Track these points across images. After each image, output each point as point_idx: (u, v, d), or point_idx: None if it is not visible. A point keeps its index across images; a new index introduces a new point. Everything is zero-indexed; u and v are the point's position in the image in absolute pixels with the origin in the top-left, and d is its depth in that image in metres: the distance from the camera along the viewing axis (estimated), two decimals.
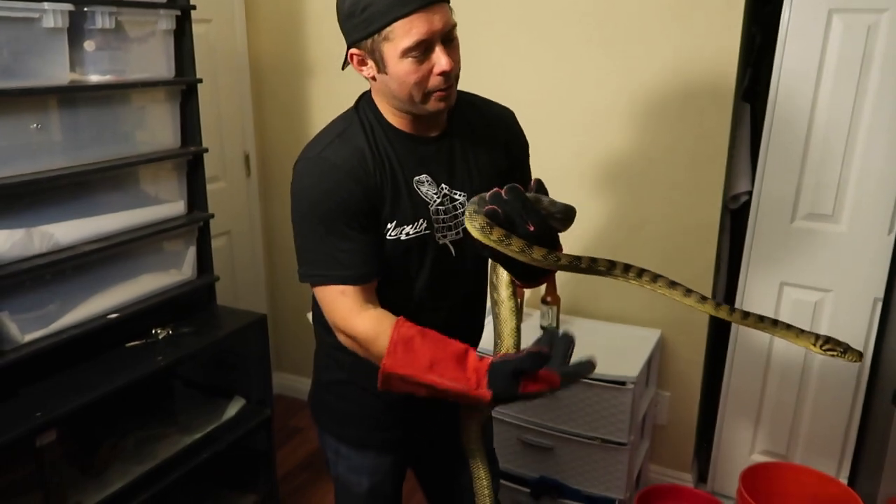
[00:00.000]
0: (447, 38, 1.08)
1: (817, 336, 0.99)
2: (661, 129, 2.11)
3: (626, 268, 1.04)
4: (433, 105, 1.11)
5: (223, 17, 2.55)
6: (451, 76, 1.09)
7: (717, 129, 2.05)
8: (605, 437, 1.96)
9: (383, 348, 1.04)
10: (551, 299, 2.17)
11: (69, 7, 1.52)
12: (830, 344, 0.98)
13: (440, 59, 1.06)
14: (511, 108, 1.34)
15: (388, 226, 1.15)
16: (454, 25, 1.09)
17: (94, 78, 1.64)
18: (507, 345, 1.20)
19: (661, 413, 2.31)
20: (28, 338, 1.51)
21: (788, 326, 1.01)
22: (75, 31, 1.58)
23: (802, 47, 1.92)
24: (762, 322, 1.01)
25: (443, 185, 1.20)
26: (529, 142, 1.35)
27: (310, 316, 1.40)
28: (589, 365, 1.02)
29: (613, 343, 2.15)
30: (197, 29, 1.95)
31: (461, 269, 1.25)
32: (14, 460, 1.54)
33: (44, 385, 1.53)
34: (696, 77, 2.04)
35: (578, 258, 1.00)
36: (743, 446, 2.25)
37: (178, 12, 1.78)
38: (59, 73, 1.55)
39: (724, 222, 2.20)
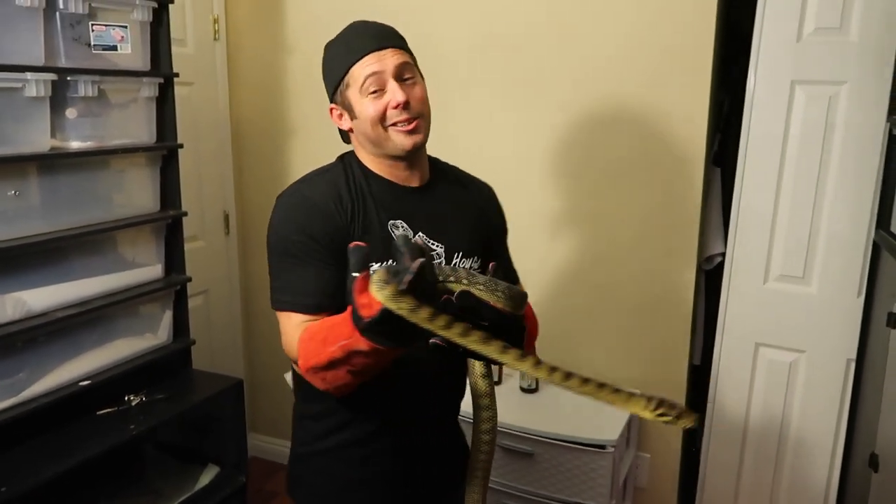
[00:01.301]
0: (401, 76, 1.17)
1: (649, 399, 0.91)
2: (634, 193, 2.16)
3: (505, 348, 0.90)
4: (398, 139, 1.17)
5: (206, 80, 2.59)
6: (409, 109, 1.16)
7: (689, 192, 2.11)
8: (585, 502, 1.94)
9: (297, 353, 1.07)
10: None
11: (52, 77, 1.54)
12: (663, 408, 0.91)
13: (394, 93, 1.15)
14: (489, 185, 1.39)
15: None
16: (407, 64, 1.18)
17: (75, 144, 1.66)
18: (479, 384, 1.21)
19: (641, 476, 2.30)
20: None
21: (616, 390, 0.92)
22: (58, 98, 1.60)
23: (768, 115, 1.99)
24: (587, 384, 0.92)
25: (420, 234, 1.23)
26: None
27: (288, 377, 1.39)
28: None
29: (593, 404, 2.10)
30: (180, 91, 1.98)
31: None
32: None
33: (11, 457, 1.49)
34: (666, 142, 2.10)
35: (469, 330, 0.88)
36: None
37: (161, 80, 1.81)
38: (39, 140, 1.57)
39: (699, 283, 2.23)
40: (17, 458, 1.48)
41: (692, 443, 2.32)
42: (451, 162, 1.39)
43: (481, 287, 0.94)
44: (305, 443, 1.33)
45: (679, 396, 2.22)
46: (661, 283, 2.17)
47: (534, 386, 2.19)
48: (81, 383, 1.63)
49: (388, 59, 1.16)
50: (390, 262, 0.93)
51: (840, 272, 1.97)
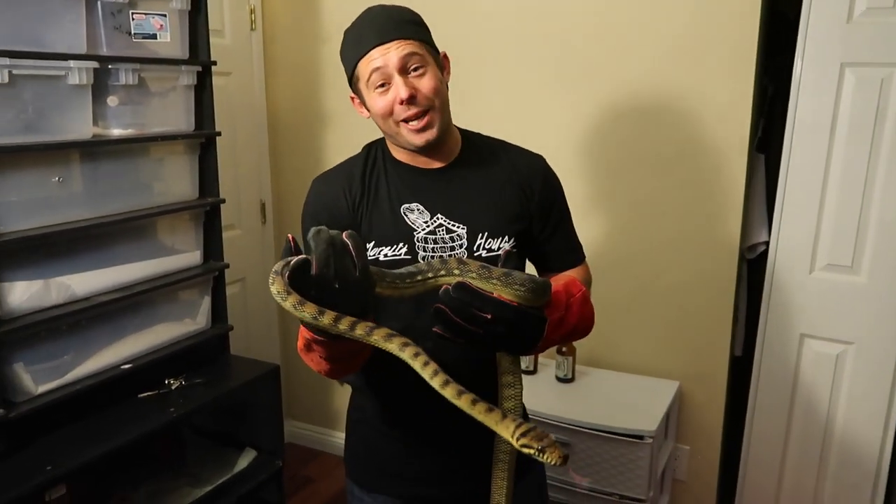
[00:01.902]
0: (406, 69, 1.14)
1: (518, 425, 0.83)
2: (676, 180, 2.11)
3: (389, 336, 0.87)
4: (409, 136, 1.16)
5: (243, 70, 2.61)
6: (417, 102, 1.13)
7: (733, 179, 2.05)
8: (623, 493, 1.91)
9: None
10: (566, 349, 2.14)
11: (94, 65, 1.56)
12: (527, 438, 0.81)
13: (399, 88, 1.13)
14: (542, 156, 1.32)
15: (367, 246, 1.19)
16: (414, 54, 1.14)
17: (116, 132, 1.68)
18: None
19: (680, 468, 2.25)
20: (41, 389, 1.51)
21: (490, 409, 0.85)
22: (99, 86, 1.62)
23: (815, 100, 1.92)
24: (461, 397, 0.86)
25: (438, 215, 1.21)
26: None
27: None
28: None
29: (631, 395, 2.11)
30: (217, 81, 1.99)
31: None
32: None
33: (55, 437, 1.52)
34: (709, 129, 2.04)
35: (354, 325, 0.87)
36: (767, 502, 2.18)
37: (200, 68, 1.82)
38: (82, 127, 1.59)
39: (741, 273, 2.18)
40: (62, 439, 1.52)
41: (735, 433, 2.27)
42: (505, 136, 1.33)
43: (474, 276, 0.91)
44: (356, 409, 1.36)
45: (720, 388, 2.17)
46: (702, 273, 2.12)
47: (570, 375, 2.17)
48: (123, 367, 1.66)
49: (391, 53, 1.13)
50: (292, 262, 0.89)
51: (891, 261, 1.89)
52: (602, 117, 2.17)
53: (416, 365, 0.85)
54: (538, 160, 1.32)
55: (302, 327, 0.97)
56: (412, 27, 1.17)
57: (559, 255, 1.31)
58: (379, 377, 1.26)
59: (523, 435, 0.81)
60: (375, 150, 1.26)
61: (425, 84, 1.14)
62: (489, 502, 1.18)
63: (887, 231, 1.89)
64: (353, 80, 1.20)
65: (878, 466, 2.00)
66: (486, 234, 1.22)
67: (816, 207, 1.97)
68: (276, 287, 0.84)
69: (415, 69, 1.15)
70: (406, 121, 1.15)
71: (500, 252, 1.21)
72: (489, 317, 0.90)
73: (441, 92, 1.17)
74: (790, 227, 2.01)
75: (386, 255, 1.19)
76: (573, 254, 1.34)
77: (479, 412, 0.84)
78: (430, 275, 0.94)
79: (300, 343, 1.01)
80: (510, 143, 1.32)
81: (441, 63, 1.22)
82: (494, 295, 0.91)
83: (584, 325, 1.08)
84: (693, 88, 2.04)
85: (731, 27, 1.97)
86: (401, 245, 1.19)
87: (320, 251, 0.87)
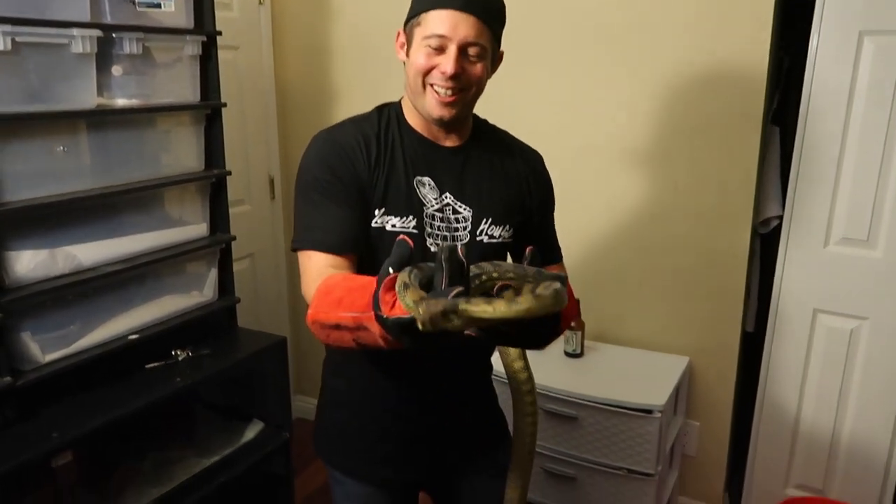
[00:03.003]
0: (465, 50, 1.10)
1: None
2: (688, 153, 2.07)
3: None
4: (431, 103, 1.13)
5: (251, 44, 2.60)
6: (458, 80, 1.11)
7: (746, 152, 2.01)
8: (631, 468, 1.90)
9: None
10: (575, 324, 2.12)
11: (98, 33, 1.55)
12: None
13: (448, 61, 1.10)
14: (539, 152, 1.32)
15: (377, 212, 1.15)
16: (478, 44, 1.10)
17: (121, 102, 1.67)
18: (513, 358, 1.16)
19: (690, 443, 2.24)
20: (49, 358, 1.52)
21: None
22: (103, 56, 1.61)
23: (833, 70, 1.87)
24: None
25: (447, 194, 1.19)
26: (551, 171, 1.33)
27: None
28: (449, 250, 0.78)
29: (640, 370, 2.10)
30: (224, 55, 1.98)
31: None
32: (30, 482, 1.54)
33: (62, 406, 1.53)
34: (724, 101, 2.00)
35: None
36: (776, 479, 2.16)
37: (204, 38, 1.80)
38: (86, 97, 1.58)
39: (754, 247, 2.14)
40: (69, 408, 1.52)
41: (745, 410, 2.24)
42: (518, 114, 1.32)
43: (511, 275, 0.84)
44: (334, 393, 1.33)
45: (730, 364, 2.15)
46: (714, 247, 2.09)
47: (578, 350, 2.15)
48: (130, 337, 1.66)
49: (461, 27, 1.08)
50: (412, 269, 0.81)
51: None
52: (616, 90, 2.13)
53: None
54: (540, 158, 1.32)
55: (336, 305, 0.91)
56: (494, 14, 1.14)
57: (544, 252, 1.31)
58: (360, 358, 1.24)
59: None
60: (389, 113, 1.22)
61: (473, 72, 1.13)
62: (465, 482, 1.18)
63: None
64: (410, 21, 1.15)
65: (892, 443, 1.97)
66: (490, 220, 1.21)
67: (832, 180, 1.93)
68: (410, 297, 0.75)
69: (472, 56, 1.12)
70: (434, 87, 1.12)
71: (501, 240, 1.22)
72: (529, 323, 0.83)
73: (481, 83, 1.16)
74: (805, 201, 1.97)
75: (394, 226, 1.15)
76: (556, 252, 1.36)
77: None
78: (477, 282, 0.86)
79: (326, 318, 0.93)
80: (509, 135, 1.32)
81: (496, 59, 1.19)
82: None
83: (572, 314, 1.06)
84: (707, 60, 2.00)
85: None
86: (410, 218, 1.16)
87: (454, 271, 0.78)
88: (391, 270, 0.80)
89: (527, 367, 1.19)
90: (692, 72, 2.02)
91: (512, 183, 1.25)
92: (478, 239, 1.20)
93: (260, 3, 2.62)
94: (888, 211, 1.88)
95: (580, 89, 2.18)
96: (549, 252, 1.34)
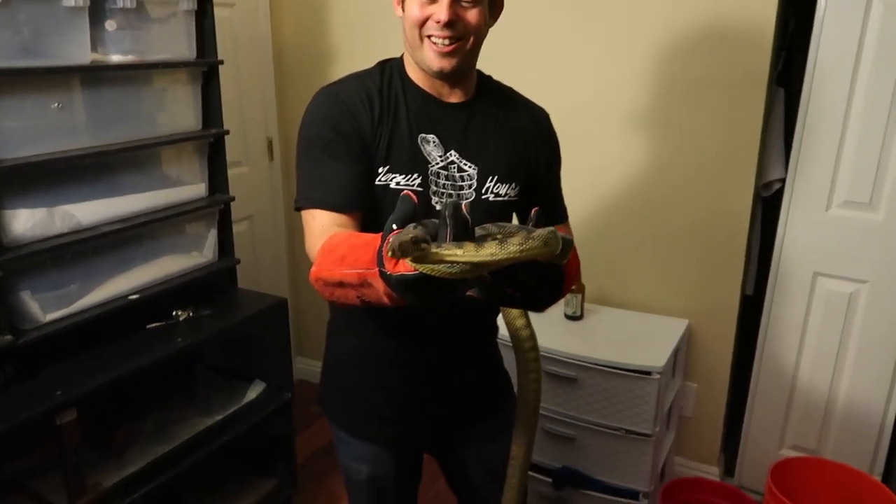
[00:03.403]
0: None
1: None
2: (691, 114, 2.05)
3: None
4: (430, 56, 1.10)
5: (246, 2, 2.54)
6: (454, 28, 1.08)
7: (750, 114, 1.99)
8: (629, 428, 1.92)
9: None
10: (576, 287, 2.12)
11: None
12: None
13: (441, 8, 1.07)
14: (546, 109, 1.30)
15: (381, 169, 1.13)
16: None
17: (116, 58, 1.64)
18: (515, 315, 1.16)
19: (687, 405, 2.26)
20: (49, 317, 1.52)
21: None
22: (96, 10, 1.57)
23: (840, 30, 1.84)
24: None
25: (452, 152, 1.17)
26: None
27: None
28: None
29: (640, 333, 2.10)
30: (220, 13, 1.93)
31: None
32: (34, 440, 1.55)
33: (64, 365, 1.53)
34: (728, 61, 1.97)
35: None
36: (772, 440, 2.19)
37: None
38: (80, 53, 1.55)
39: (755, 210, 2.13)
40: (71, 367, 1.53)
41: (742, 372, 2.26)
42: (518, 72, 1.29)
43: (517, 240, 0.79)
44: (339, 353, 1.33)
45: (729, 327, 2.16)
46: (716, 211, 2.08)
47: (578, 313, 2.15)
48: (130, 297, 1.66)
49: None
50: (416, 226, 0.77)
51: None
52: (618, 47, 2.10)
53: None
54: (546, 115, 1.30)
55: (339, 263, 0.90)
56: None
57: (550, 211, 1.28)
58: (365, 317, 1.23)
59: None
60: (391, 68, 1.19)
61: (469, 17, 1.09)
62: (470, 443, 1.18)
63: None
64: None
65: (886, 405, 2.00)
66: (496, 177, 1.19)
67: (836, 143, 1.92)
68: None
69: (466, 1, 1.09)
70: (432, 38, 1.09)
71: (507, 199, 1.20)
72: (530, 280, 0.84)
73: (480, 32, 1.12)
74: (808, 164, 1.96)
75: (398, 184, 1.13)
76: (561, 212, 1.34)
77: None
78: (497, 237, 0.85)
79: (330, 275, 0.92)
80: (514, 91, 1.29)
81: (496, 6, 1.16)
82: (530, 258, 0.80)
83: (574, 275, 1.05)
84: (711, 18, 1.96)
85: None
86: (415, 175, 1.14)
87: (459, 227, 0.75)
88: (395, 227, 0.79)
89: (528, 324, 1.19)
90: (697, 31, 1.98)
91: (518, 139, 1.23)
92: (483, 197, 1.18)
93: None
94: (891, 174, 1.87)
95: (579, 47, 2.15)
96: (554, 211, 1.31)
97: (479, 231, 0.83)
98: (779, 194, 2.09)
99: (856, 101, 1.87)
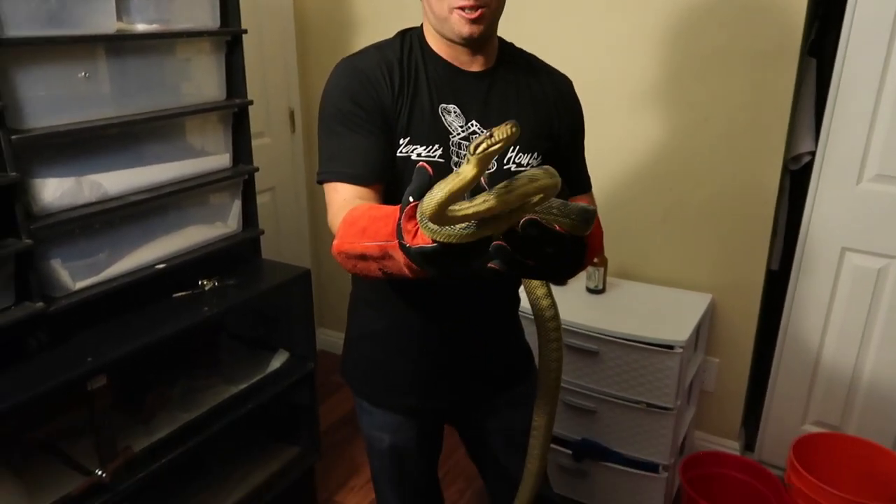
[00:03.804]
0: None
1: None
2: (720, 83, 2.01)
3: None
4: (458, 24, 1.09)
5: None
6: None
7: (781, 85, 1.94)
8: (650, 402, 1.92)
9: None
10: (598, 260, 2.11)
11: None
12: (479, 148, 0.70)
13: None
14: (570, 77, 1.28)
15: (401, 141, 1.13)
16: None
17: (141, 27, 1.63)
18: (538, 294, 1.15)
19: (709, 379, 2.26)
20: (79, 285, 1.54)
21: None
22: None
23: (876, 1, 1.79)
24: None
25: (473, 122, 1.16)
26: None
27: None
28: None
29: (662, 307, 2.09)
30: None
31: None
32: (67, 405, 1.58)
33: (94, 332, 1.56)
34: (759, 30, 1.92)
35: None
36: (794, 416, 2.18)
37: None
38: (105, 21, 1.54)
39: (783, 183, 2.10)
40: (100, 334, 1.55)
41: (765, 348, 2.25)
42: (536, 43, 1.28)
43: (555, 211, 0.81)
44: (362, 325, 1.34)
45: (753, 302, 2.14)
46: (743, 183, 2.05)
47: (601, 287, 2.15)
48: (157, 266, 1.67)
49: None
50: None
51: None
52: (649, 13, 2.05)
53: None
54: (569, 82, 1.28)
55: (360, 235, 0.90)
56: None
57: (573, 181, 1.29)
58: (387, 289, 1.24)
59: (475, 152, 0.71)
60: (411, 38, 1.19)
61: None
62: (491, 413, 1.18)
63: None
64: None
65: None
66: (517, 147, 1.19)
67: (869, 115, 1.87)
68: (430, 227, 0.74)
69: None
70: (461, 8, 1.08)
71: (528, 168, 1.19)
72: (551, 251, 0.82)
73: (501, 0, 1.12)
74: (840, 137, 1.92)
75: (420, 155, 1.13)
76: (585, 182, 1.33)
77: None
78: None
79: (351, 248, 0.93)
80: (537, 59, 1.28)
81: None
82: (557, 228, 0.82)
83: (598, 247, 1.05)
84: None
85: None
86: (436, 147, 1.14)
87: (423, 187, 0.77)
88: (412, 199, 0.79)
89: (549, 294, 1.18)
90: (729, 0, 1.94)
91: (540, 107, 1.22)
92: (505, 168, 1.18)
93: None
94: None
95: (602, 16, 2.11)
96: (577, 181, 1.31)
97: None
98: (808, 168, 2.05)
99: (891, 72, 1.82)
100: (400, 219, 0.80)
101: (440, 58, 1.17)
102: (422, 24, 1.20)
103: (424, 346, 1.28)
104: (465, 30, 1.10)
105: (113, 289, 1.58)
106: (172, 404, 1.78)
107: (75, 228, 1.53)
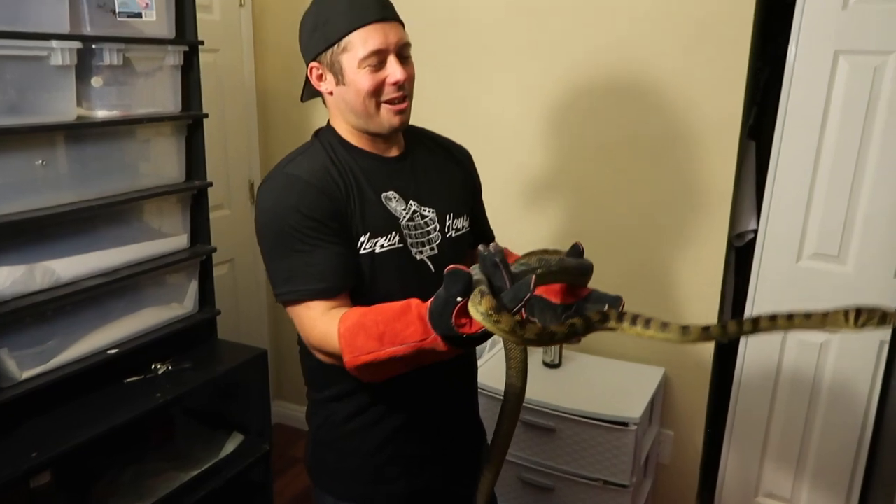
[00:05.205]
0: (401, 54, 1.14)
1: (846, 313, 0.87)
2: (664, 165, 2.10)
3: (620, 316, 1.01)
4: (387, 118, 1.15)
5: (231, 46, 2.57)
6: (404, 87, 1.15)
7: (723, 166, 2.05)
8: (607, 479, 1.94)
9: (338, 346, 1.03)
10: None
11: (77, 45, 1.53)
12: (863, 317, 0.86)
13: (394, 70, 1.12)
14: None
15: (361, 239, 1.14)
16: (407, 43, 1.16)
17: (101, 113, 1.65)
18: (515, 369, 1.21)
19: (664, 452, 2.28)
20: (26, 374, 1.51)
21: (808, 316, 0.89)
22: (83, 67, 1.59)
23: (808, 87, 1.91)
24: (774, 322, 0.91)
25: (411, 202, 1.21)
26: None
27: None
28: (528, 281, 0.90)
29: (615, 381, 2.13)
30: (205, 58, 1.96)
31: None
32: (6, 501, 1.52)
33: (40, 422, 1.52)
34: (700, 114, 2.03)
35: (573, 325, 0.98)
36: (747, 488, 2.21)
37: (186, 48, 1.79)
38: (66, 109, 1.56)
39: (729, 260, 2.18)
40: (47, 425, 1.51)
41: (716, 420, 2.29)
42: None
43: (555, 268, 1.03)
44: (328, 426, 1.29)
45: (704, 375, 2.19)
46: (690, 260, 2.13)
47: (557, 361, 2.18)
48: (109, 352, 1.65)
49: (391, 35, 1.12)
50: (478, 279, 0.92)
51: (877, 252, 1.90)
52: (590, 99, 2.15)
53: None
54: (466, 150, 1.40)
55: (379, 342, 0.97)
56: (395, 12, 1.18)
57: (483, 233, 1.41)
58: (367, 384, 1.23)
59: (857, 318, 0.86)
60: (328, 139, 1.21)
61: (411, 73, 1.17)
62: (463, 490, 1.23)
63: (875, 222, 1.89)
64: (331, 49, 1.13)
65: (856, 456, 2.03)
66: (451, 214, 1.27)
67: (805, 196, 1.97)
68: (484, 306, 0.86)
69: (405, 56, 1.16)
70: (389, 102, 1.14)
71: (464, 231, 1.29)
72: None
73: (413, 86, 1.20)
74: (779, 216, 2.01)
75: (383, 247, 1.16)
76: (489, 233, 1.45)
77: (781, 322, 0.91)
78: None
79: (375, 356, 0.97)
80: (435, 133, 1.38)
81: None
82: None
83: None
84: (685, 71, 2.02)
85: (726, 7, 1.94)
86: (393, 234, 1.17)
87: (506, 267, 0.91)
88: (459, 299, 0.88)
89: (523, 383, 1.26)
90: (670, 82, 2.04)
91: (456, 175, 1.32)
92: (447, 235, 1.25)
93: (241, 4, 2.60)
94: (858, 227, 1.92)
95: (555, 95, 2.20)
96: (484, 233, 1.42)
97: (520, 266, 0.99)
98: (752, 244, 2.14)
99: (824, 156, 1.93)
100: (450, 317, 0.89)
101: (364, 151, 1.21)
102: (328, 123, 1.24)
103: (394, 436, 1.27)
104: (396, 120, 1.16)
105: (62, 377, 1.55)
106: (122, 492, 1.73)
107: (26, 317, 1.50)
